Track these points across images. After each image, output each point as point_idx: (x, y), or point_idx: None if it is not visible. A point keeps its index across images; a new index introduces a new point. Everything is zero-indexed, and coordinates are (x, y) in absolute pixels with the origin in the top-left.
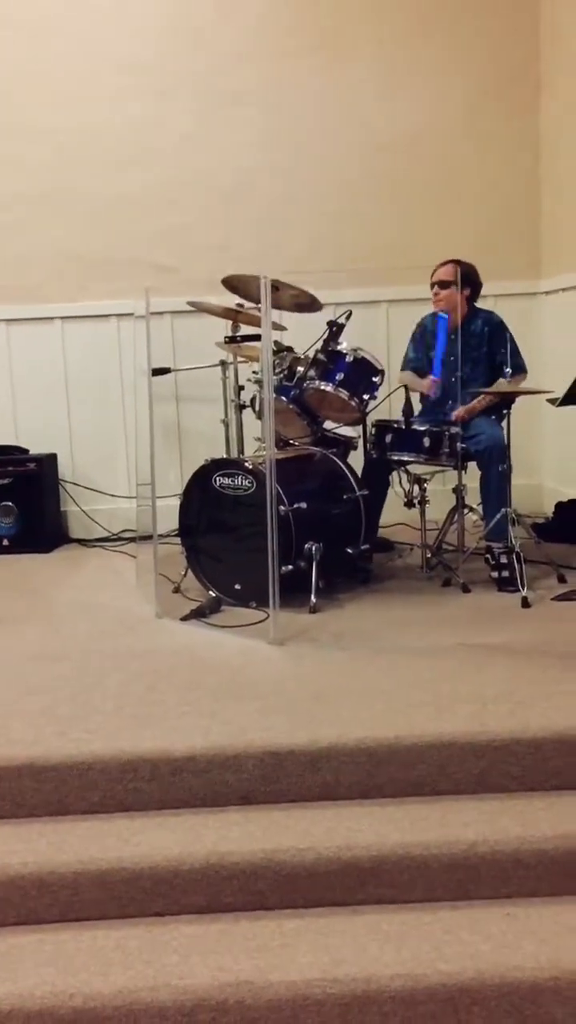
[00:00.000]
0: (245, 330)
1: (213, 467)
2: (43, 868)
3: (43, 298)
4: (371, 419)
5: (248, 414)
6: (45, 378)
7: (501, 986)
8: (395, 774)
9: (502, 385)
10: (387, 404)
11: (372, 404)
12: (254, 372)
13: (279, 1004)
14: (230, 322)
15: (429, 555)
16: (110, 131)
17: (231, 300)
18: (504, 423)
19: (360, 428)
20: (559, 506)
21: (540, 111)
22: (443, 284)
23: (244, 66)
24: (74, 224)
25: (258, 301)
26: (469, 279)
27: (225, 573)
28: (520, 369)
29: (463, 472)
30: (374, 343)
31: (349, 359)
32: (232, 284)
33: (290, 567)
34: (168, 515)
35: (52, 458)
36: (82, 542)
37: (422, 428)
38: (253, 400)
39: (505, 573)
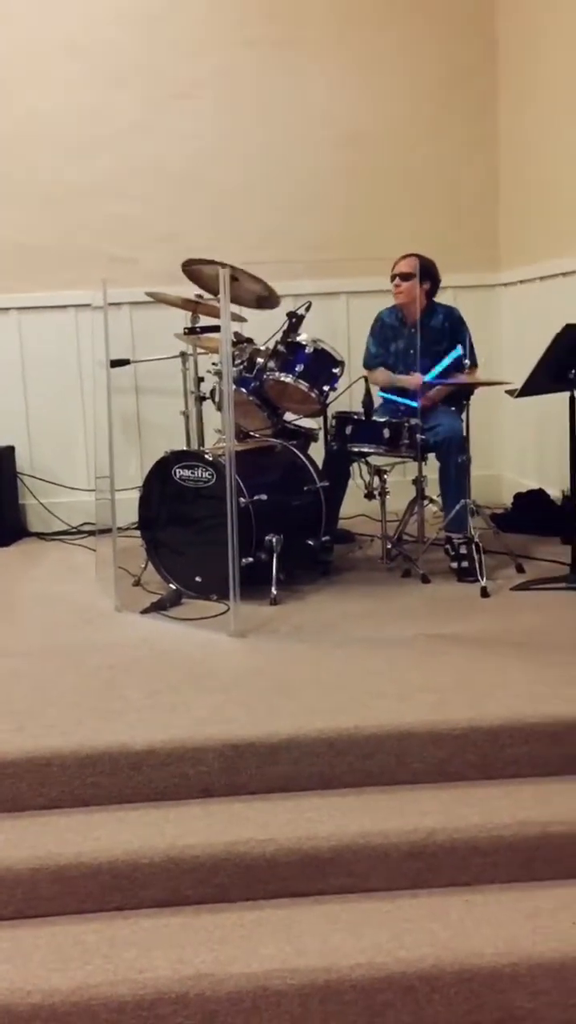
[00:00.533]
0: (204, 321)
1: (173, 459)
2: (0, 864)
3: None
4: (331, 411)
5: (208, 406)
6: (1, 370)
7: (460, 973)
8: (355, 764)
9: (461, 376)
10: (347, 396)
11: (332, 396)
12: (214, 364)
13: (239, 996)
14: (189, 313)
15: (389, 546)
16: (60, 118)
17: (190, 291)
18: (463, 415)
19: (320, 420)
20: (518, 497)
21: (498, 106)
22: (404, 276)
23: (197, 56)
24: (25, 213)
25: (217, 292)
26: (429, 273)
27: (185, 566)
28: (475, 364)
29: (423, 463)
30: (334, 335)
31: (309, 350)
32: (192, 272)
33: (250, 559)
34: (128, 508)
35: (10, 451)
36: (41, 535)
37: (382, 420)
38: (213, 392)
39: (464, 563)
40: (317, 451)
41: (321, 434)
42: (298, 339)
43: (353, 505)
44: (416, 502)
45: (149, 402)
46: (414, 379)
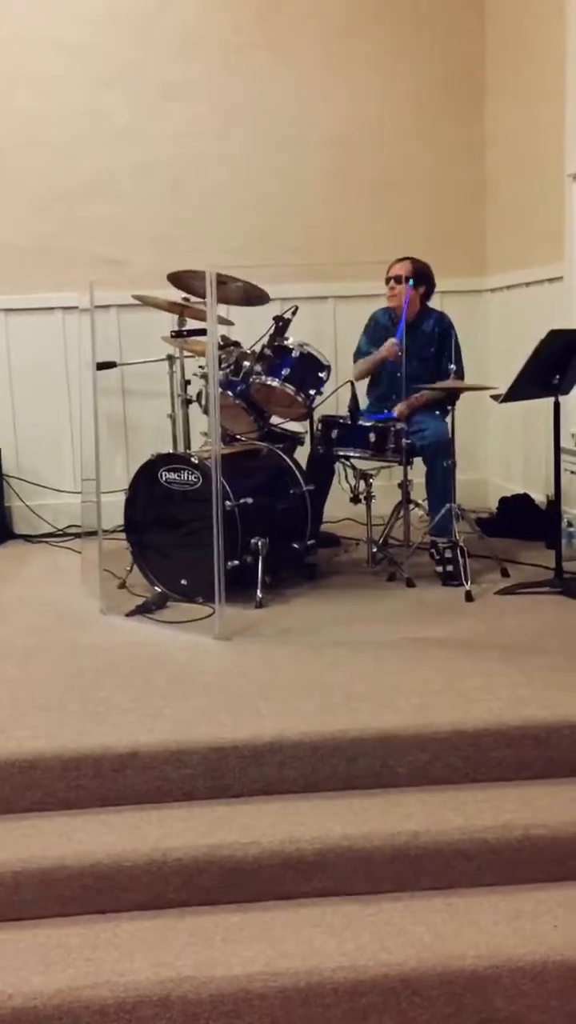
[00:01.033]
0: (191, 324)
1: (159, 462)
2: None
3: None
4: (317, 415)
5: (195, 409)
6: None
7: (442, 976)
8: (338, 767)
9: (445, 381)
10: (334, 400)
11: (318, 400)
12: (200, 367)
13: (221, 999)
14: (176, 316)
15: (375, 550)
16: (48, 119)
17: (177, 294)
18: (448, 419)
19: (307, 423)
20: (503, 501)
21: (485, 112)
22: (399, 279)
23: (187, 58)
24: (12, 214)
25: (204, 295)
26: (424, 277)
27: (171, 568)
28: (460, 375)
29: (408, 467)
30: (321, 339)
31: (296, 354)
32: (179, 281)
33: (236, 562)
34: (114, 510)
35: None
36: (27, 538)
37: (368, 424)
38: (199, 395)
39: (449, 567)
40: (303, 455)
41: (307, 438)
42: (285, 343)
43: (339, 509)
44: (401, 506)
45: (136, 405)
46: (388, 344)
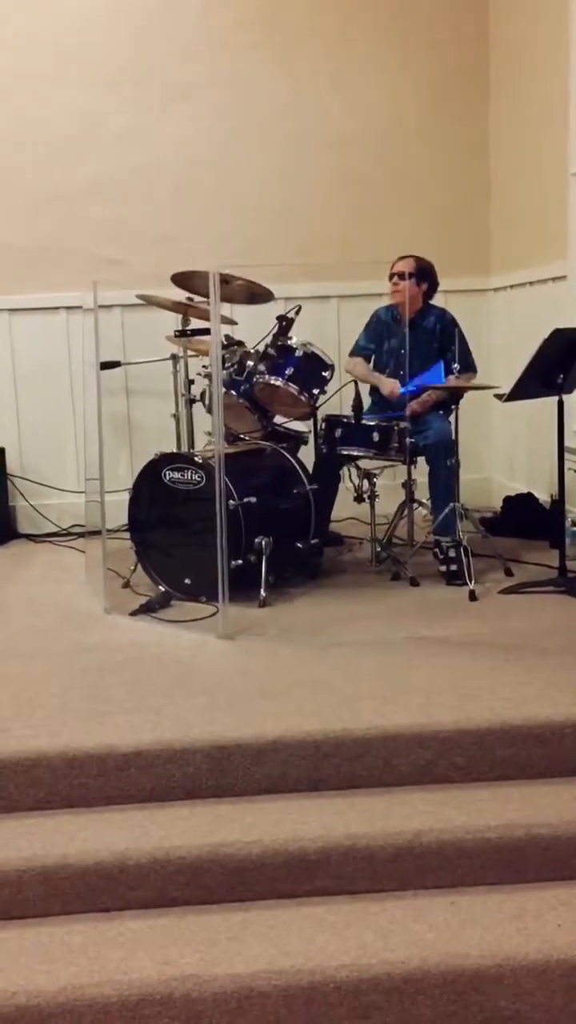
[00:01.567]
0: (195, 324)
1: (163, 461)
2: None
3: None
4: (321, 414)
5: (198, 408)
6: None
7: (446, 974)
8: (341, 766)
9: (451, 380)
10: (337, 399)
11: (322, 399)
12: (204, 366)
13: (224, 997)
14: (180, 316)
15: (378, 549)
16: (51, 121)
17: (181, 294)
18: (452, 418)
19: (310, 423)
20: (507, 500)
21: (488, 112)
22: (402, 276)
23: (189, 59)
24: (17, 215)
25: (207, 295)
26: (428, 275)
27: (174, 568)
28: (470, 368)
29: (412, 467)
30: (324, 338)
31: (299, 354)
32: (182, 281)
33: (240, 561)
34: (118, 510)
35: (0, 452)
36: (31, 537)
37: (372, 423)
38: (203, 394)
39: (453, 567)
40: (307, 454)
41: (311, 437)
42: (288, 342)
43: (342, 508)
44: (405, 505)
45: (139, 404)
46: (391, 384)
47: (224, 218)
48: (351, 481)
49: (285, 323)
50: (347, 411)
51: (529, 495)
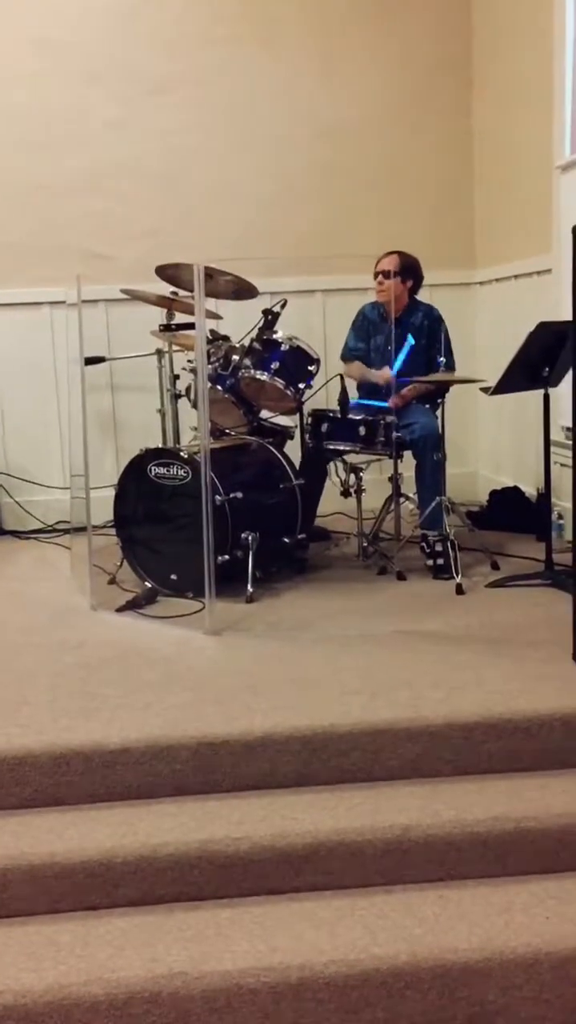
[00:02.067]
0: (180, 318)
1: (148, 457)
2: None
3: None
4: (307, 408)
5: (184, 403)
6: None
7: (434, 968)
8: (330, 762)
9: (435, 374)
10: (323, 393)
11: (308, 393)
12: (189, 361)
13: (213, 994)
14: (165, 310)
15: (365, 544)
16: (34, 114)
17: (166, 288)
18: (438, 412)
19: (296, 417)
20: (493, 494)
21: (473, 105)
22: (387, 274)
23: (173, 52)
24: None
25: (192, 289)
26: (412, 271)
27: (161, 563)
28: (451, 368)
29: (399, 461)
30: (310, 332)
31: (285, 348)
32: (167, 273)
33: (226, 557)
34: (103, 506)
35: None
36: (16, 534)
37: (358, 417)
38: (189, 389)
39: (440, 561)
40: (293, 449)
41: (297, 432)
42: (274, 336)
43: (329, 503)
44: (392, 500)
45: (124, 400)
46: (383, 374)
47: (209, 212)
48: (337, 476)
49: (271, 317)
50: (333, 405)
51: (515, 489)
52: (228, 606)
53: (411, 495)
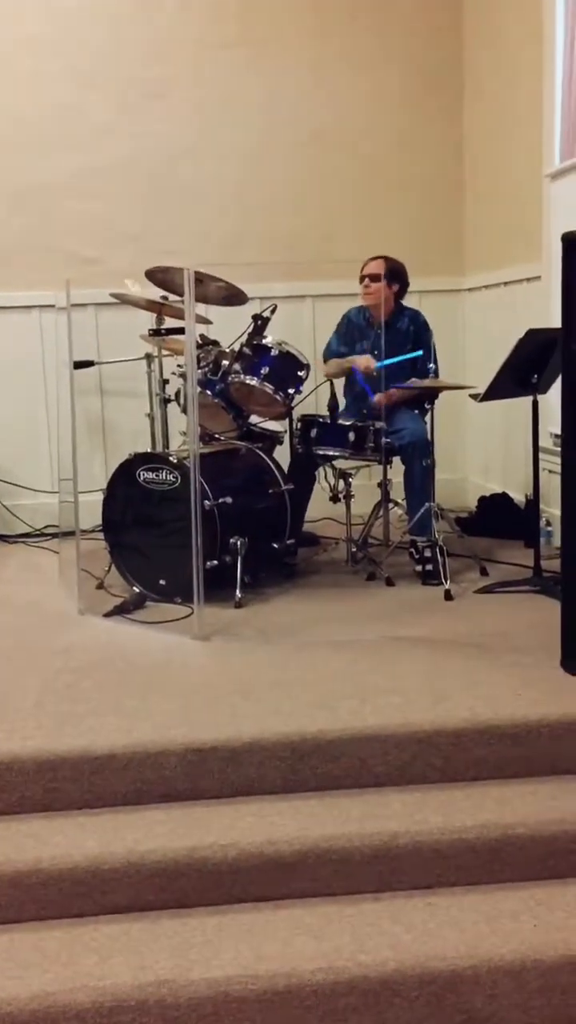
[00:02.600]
0: (170, 323)
1: (137, 461)
2: None
3: None
4: (297, 413)
5: (173, 408)
6: None
7: (422, 976)
8: (318, 768)
9: (424, 380)
10: (313, 398)
11: (297, 398)
12: (179, 366)
13: (200, 1002)
14: (155, 315)
15: (354, 549)
16: (26, 116)
17: (156, 292)
18: (427, 418)
19: (286, 422)
20: (482, 500)
21: (463, 113)
22: (373, 278)
23: (167, 56)
24: None
25: (183, 293)
26: (398, 275)
27: (149, 568)
28: (435, 373)
29: (388, 467)
30: (300, 337)
31: (274, 353)
32: (156, 277)
33: (215, 562)
34: (92, 510)
35: None
36: (3, 538)
37: (347, 423)
38: (178, 394)
39: (429, 567)
40: (282, 454)
41: (286, 437)
42: (263, 341)
43: (318, 508)
44: (381, 505)
45: (114, 404)
46: (364, 359)
47: (199, 216)
48: (327, 481)
49: (260, 322)
50: (323, 411)
51: (504, 495)
52: (216, 611)
53: (400, 501)
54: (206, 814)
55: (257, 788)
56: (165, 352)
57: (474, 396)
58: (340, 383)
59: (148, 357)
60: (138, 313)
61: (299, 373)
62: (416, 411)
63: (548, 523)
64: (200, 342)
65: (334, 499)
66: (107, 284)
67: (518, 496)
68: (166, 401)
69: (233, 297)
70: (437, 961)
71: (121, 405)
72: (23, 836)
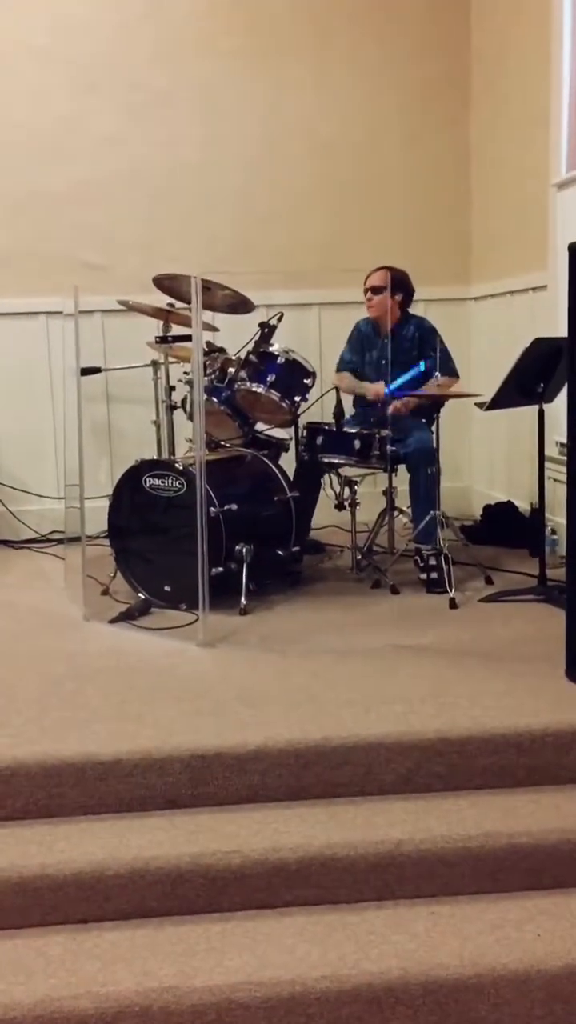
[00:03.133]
0: (176, 330)
1: (143, 468)
2: None
3: None
4: (302, 421)
5: (179, 415)
6: None
7: (426, 984)
8: (322, 775)
9: (432, 387)
10: (319, 406)
11: (303, 406)
12: (185, 373)
13: (203, 1009)
14: (161, 322)
15: (359, 557)
16: (33, 125)
17: (162, 299)
18: (433, 427)
19: (292, 430)
20: (487, 509)
21: (470, 121)
22: (376, 289)
23: (173, 65)
24: None
25: (189, 301)
26: (402, 285)
27: (154, 575)
28: (453, 373)
29: (393, 475)
30: (306, 345)
31: (281, 361)
32: (163, 284)
33: (220, 569)
34: (97, 516)
35: None
36: (9, 543)
37: (353, 431)
38: (184, 401)
39: (433, 575)
40: (288, 461)
41: (292, 444)
42: (270, 349)
43: (323, 516)
44: (386, 513)
45: (120, 410)
46: (376, 387)
47: (205, 224)
48: (332, 489)
49: (267, 330)
50: (328, 418)
51: (509, 504)
52: (221, 618)
53: (405, 509)
54: (210, 821)
55: (261, 795)
56: (171, 359)
57: (480, 405)
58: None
59: (154, 364)
60: (144, 320)
61: (305, 381)
62: (423, 420)
63: (553, 532)
64: (206, 349)
65: (339, 507)
66: (114, 291)
67: (523, 505)
68: (172, 408)
69: (239, 305)
70: (441, 970)
71: (127, 412)
72: (27, 842)
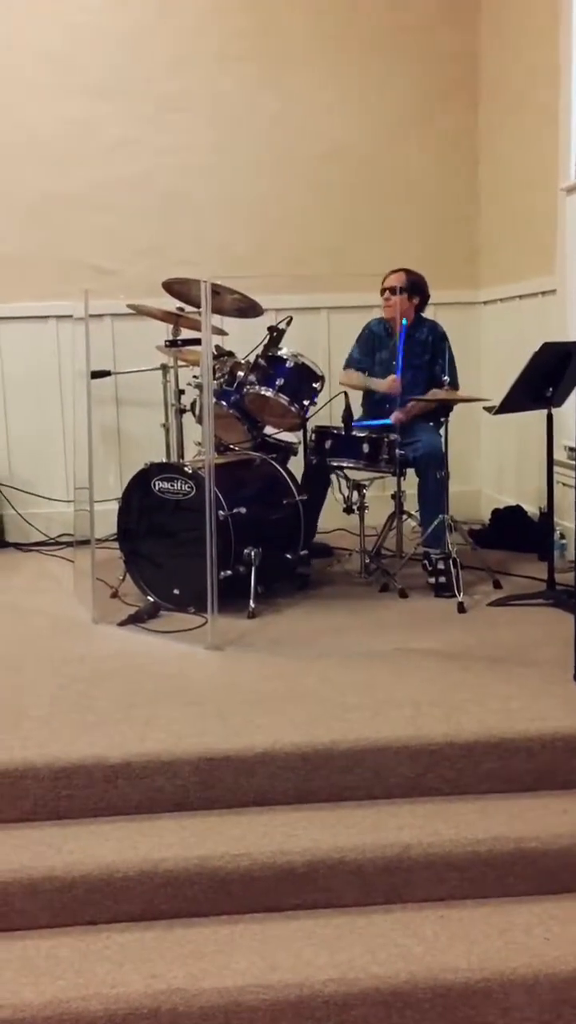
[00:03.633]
0: (186, 334)
1: (153, 471)
2: None
3: None
4: (311, 425)
5: (188, 418)
6: None
7: (434, 988)
8: (330, 779)
9: (440, 392)
10: (327, 410)
11: (312, 410)
12: (194, 376)
13: (212, 1011)
14: (171, 326)
15: (367, 560)
16: (44, 130)
17: (172, 303)
18: (442, 431)
19: (300, 434)
20: (495, 513)
21: (479, 126)
22: (393, 291)
23: (183, 71)
24: (7, 223)
25: (199, 305)
26: (419, 288)
27: (163, 578)
28: (454, 385)
29: (402, 479)
30: (315, 349)
31: (289, 364)
32: (173, 288)
33: (229, 572)
34: (107, 519)
35: None
36: (18, 546)
37: (361, 434)
38: (193, 404)
39: (442, 579)
40: (297, 465)
41: (301, 448)
42: (279, 353)
43: (332, 519)
44: (395, 517)
45: (129, 414)
46: (389, 381)
47: (215, 229)
48: (341, 492)
49: (276, 334)
50: (337, 422)
51: (518, 508)
52: (230, 621)
53: (413, 512)
54: (219, 823)
55: (270, 798)
56: (181, 363)
57: (489, 409)
58: (355, 394)
59: (164, 368)
60: (154, 324)
61: (314, 385)
62: (431, 423)
63: (562, 536)
64: (216, 353)
65: (348, 510)
66: (123, 296)
67: (532, 509)
68: (181, 411)
69: (248, 309)
70: (449, 974)
71: (137, 415)
72: (37, 844)
